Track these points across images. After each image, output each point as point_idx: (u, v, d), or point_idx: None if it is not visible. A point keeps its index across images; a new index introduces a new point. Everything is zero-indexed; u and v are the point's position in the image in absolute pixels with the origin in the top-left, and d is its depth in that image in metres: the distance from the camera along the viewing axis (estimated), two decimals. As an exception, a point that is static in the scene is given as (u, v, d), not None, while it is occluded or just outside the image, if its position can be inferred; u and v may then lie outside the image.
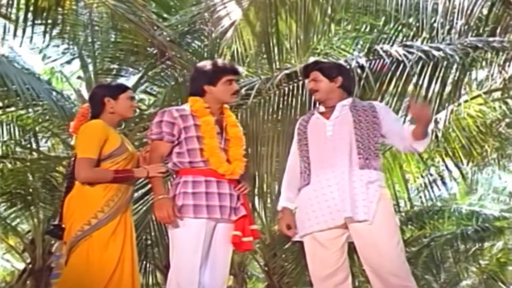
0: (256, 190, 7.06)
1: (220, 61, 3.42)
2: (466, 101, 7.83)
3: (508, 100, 8.35)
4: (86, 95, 9.43)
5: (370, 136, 3.23)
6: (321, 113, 3.38)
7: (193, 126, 3.17)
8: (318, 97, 3.40)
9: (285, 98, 6.67)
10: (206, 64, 3.34)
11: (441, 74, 6.46)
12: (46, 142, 9.86)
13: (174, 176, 3.32)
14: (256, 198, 7.50)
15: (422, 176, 9.42)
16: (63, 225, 3.37)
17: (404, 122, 6.79)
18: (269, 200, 7.46)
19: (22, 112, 8.60)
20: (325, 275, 3.19)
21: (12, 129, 9.07)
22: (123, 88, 3.58)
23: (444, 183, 9.44)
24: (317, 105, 3.50)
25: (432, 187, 9.33)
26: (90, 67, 9.26)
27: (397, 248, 3.12)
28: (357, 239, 3.16)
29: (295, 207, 3.35)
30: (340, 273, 3.20)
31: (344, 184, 3.12)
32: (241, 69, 3.76)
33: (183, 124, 3.17)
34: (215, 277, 3.16)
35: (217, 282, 3.17)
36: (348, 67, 6.13)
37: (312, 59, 8.33)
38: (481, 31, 7.19)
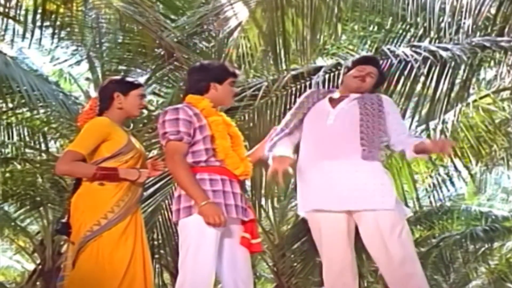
0: (263, 191, 7.05)
1: (224, 63, 3.46)
2: (474, 101, 7.80)
3: (517, 100, 8.32)
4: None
5: (375, 129, 3.26)
6: (331, 100, 3.42)
7: (207, 125, 3.10)
8: (358, 87, 3.42)
9: (292, 98, 6.67)
10: (212, 63, 3.34)
11: (449, 74, 6.43)
12: (55, 143, 9.90)
13: None
14: (264, 198, 7.49)
15: (430, 176, 9.37)
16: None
17: (411, 123, 6.81)
18: (276, 200, 7.45)
19: (31, 113, 8.63)
20: (337, 270, 3.19)
21: (21, 131, 9.10)
22: (134, 85, 3.49)
23: (452, 183, 9.40)
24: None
25: (440, 187, 9.29)
26: (98, 69, 9.30)
27: (401, 237, 3.11)
28: (362, 228, 3.18)
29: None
30: (348, 272, 3.21)
31: (347, 175, 3.14)
32: (239, 72, 3.75)
33: (198, 123, 3.08)
34: (241, 278, 3.08)
35: (245, 283, 3.10)
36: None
37: (319, 60, 8.34)
38: (489, 30, 7.16)
